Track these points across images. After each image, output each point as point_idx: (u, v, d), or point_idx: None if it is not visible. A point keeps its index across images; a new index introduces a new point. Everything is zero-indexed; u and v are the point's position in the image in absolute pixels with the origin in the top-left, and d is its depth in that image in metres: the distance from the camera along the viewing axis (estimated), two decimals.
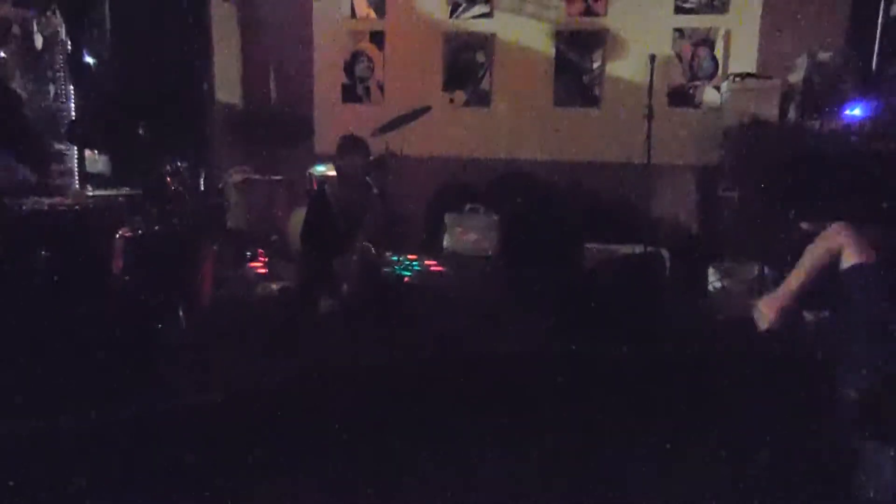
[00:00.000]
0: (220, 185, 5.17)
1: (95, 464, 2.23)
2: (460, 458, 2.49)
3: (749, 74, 5.07)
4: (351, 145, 3.85)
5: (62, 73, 4.00)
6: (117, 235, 3.23)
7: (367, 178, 3.90)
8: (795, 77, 4.57)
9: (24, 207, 2.89)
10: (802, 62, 4.50)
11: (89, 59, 4.30)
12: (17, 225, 2.82)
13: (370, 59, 5.98)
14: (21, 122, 3.25)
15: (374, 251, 3.72)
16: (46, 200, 3.03)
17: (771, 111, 4.65)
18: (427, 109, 4.98)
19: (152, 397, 2.58)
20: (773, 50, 5.22)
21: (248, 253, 5.01)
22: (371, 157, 4.01)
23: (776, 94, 4.68)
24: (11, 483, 2.08)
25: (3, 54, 3.56)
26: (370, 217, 3.86)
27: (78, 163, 3.59)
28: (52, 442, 2.29)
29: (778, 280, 3.90)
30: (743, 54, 5.39)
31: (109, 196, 3.49)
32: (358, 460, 2.46)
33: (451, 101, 5.87)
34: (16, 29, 3.61)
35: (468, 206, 5.42)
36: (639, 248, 4.32)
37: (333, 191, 3.98)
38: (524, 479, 2.43)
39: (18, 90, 3.48)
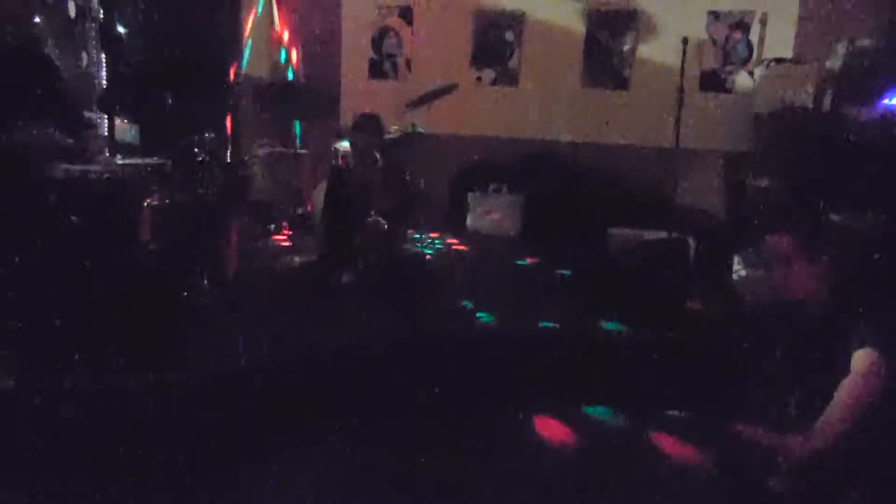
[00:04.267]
0: (247, 158, 5.20)
1: (117, 429, 2.29)
2: (469, 435, 2.52)
3: (784, 60, 4.96)
4: (364, 121, 3.87)
5: (94, 42, 4.03)
6: (145, 204, 3.27)
7: (376, 152, 3.90)
8: (832, 63, 4.45)
9: (57, 174, 2.94)
10: (841, 48, 4.38)
11: (121, 28, 4.33)
12: (51, 190, 2.87)
13: (398, 35, 5.93)
14: (56, 89, 3.29)
15: (384, 226, 3.72)
16: (78, 167, 3.07)
17: (805, 98, 4.55)
18: (454, 87, 4.94)
19: (174, 365, 2.63)
20: (810, 35, 5.09)
21: (273, 225, 5.06)
22: (385, 134, 4.02)
23: (811, 80, 4.58)
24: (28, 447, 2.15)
25: (37, 20, 3.59)
26: (379, 192, 3.87)
27: (108, 131, 3.62)
28: (76, 407, 2.35)
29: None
30: (779, 39, 5.26)
31: (138, 165, 3.53)
32: (370, 434, 2.50)
33: (479, 79, 5.82)
34: None
35: (492, 186, 5.40)
36: (664, 234, 4.28)
37: (349, 165, 4.05)
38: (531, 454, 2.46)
39: (52, 58, 3.50)
